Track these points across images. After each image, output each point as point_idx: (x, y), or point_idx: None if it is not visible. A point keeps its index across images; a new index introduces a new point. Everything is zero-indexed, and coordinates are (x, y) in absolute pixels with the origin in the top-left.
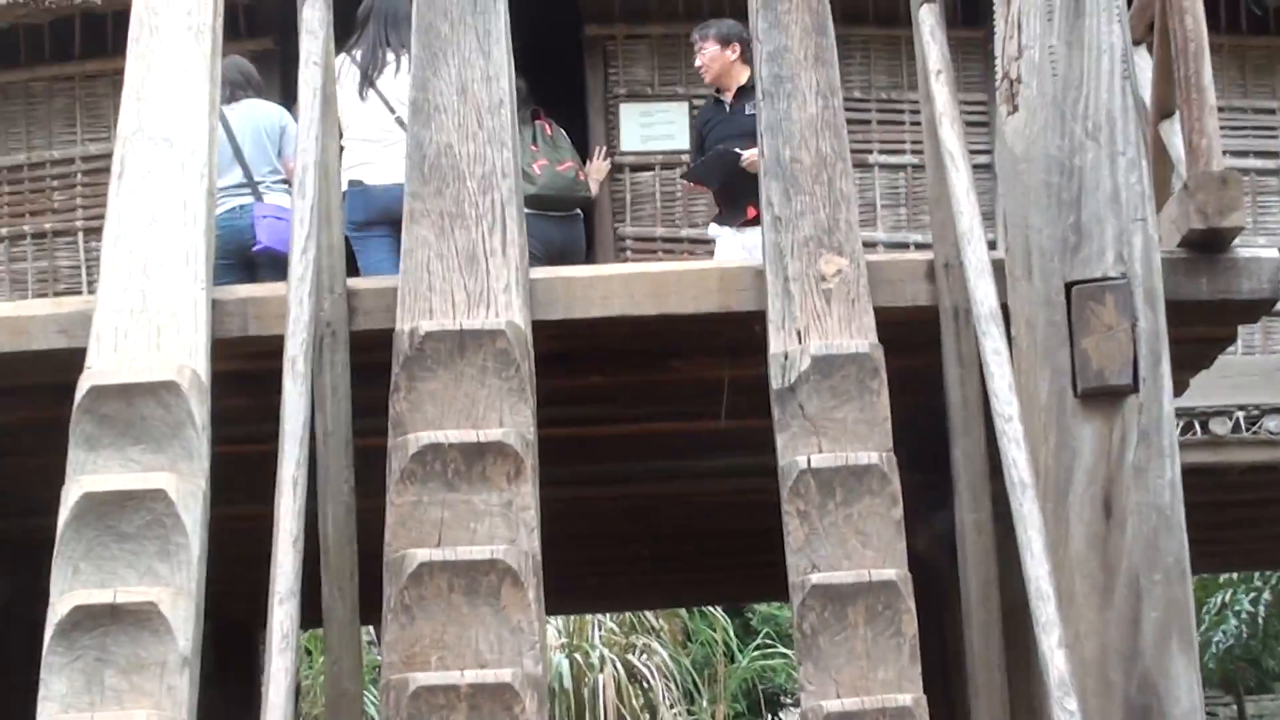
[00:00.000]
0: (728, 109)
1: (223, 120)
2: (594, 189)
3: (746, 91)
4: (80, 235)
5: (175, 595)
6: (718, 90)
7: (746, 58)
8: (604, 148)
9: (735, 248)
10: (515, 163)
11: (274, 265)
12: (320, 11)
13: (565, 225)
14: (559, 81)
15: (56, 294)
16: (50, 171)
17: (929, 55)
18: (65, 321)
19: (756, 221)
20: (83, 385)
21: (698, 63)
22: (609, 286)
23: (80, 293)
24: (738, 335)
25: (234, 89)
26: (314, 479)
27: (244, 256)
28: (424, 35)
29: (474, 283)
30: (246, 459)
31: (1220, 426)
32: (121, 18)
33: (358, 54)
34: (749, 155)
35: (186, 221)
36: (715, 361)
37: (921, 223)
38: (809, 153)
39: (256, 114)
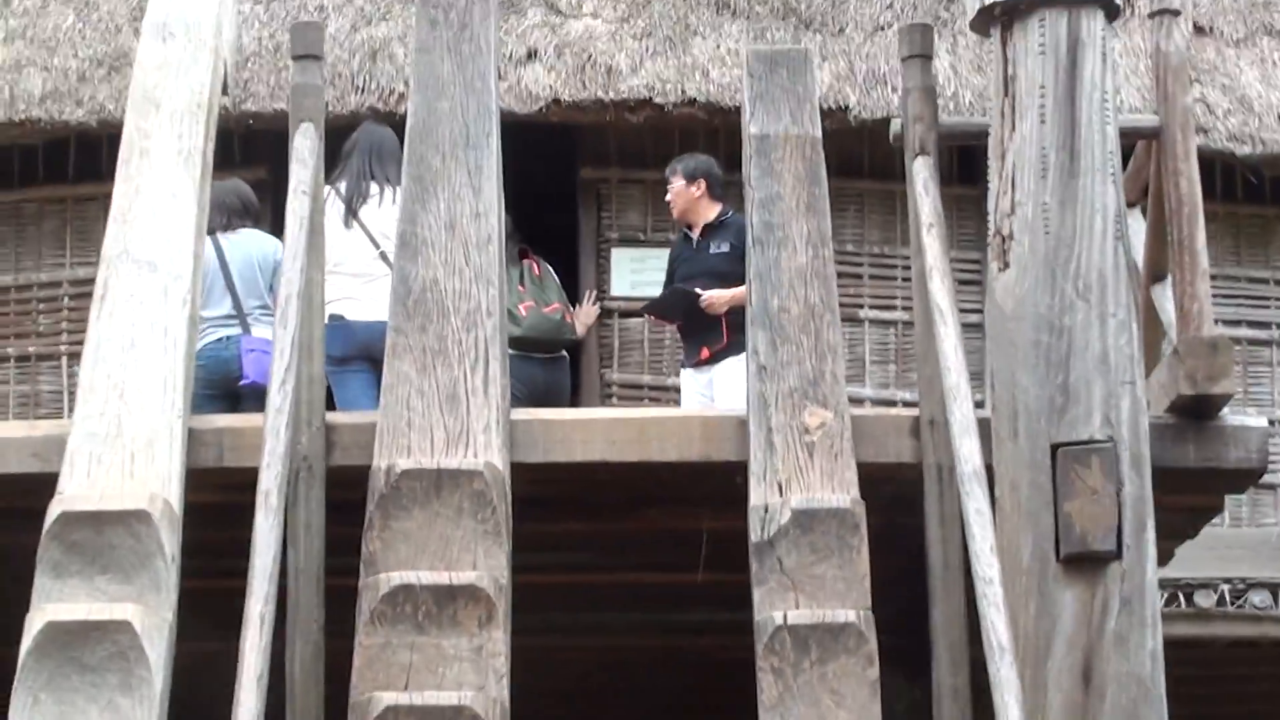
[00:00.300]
0: (694, 245)
1: (217, 248)
2: (581, 332)
3: (713, 229)
4: (64, 360)
5: None
6: (687, 226)
7: (715, 194)
8: (594, 291)
9: (693, 388)
10: (501, 301)
11: (259, 399)
12: (311, 141)
13: (550, 367)
14: (552, 222)
15: (37, 419)
16: (37, 294)
17: (921, 208)
18: (39, 445)
19: (711, 361)
20: (52, 511)
21: (667, 198)
22: (590, 430)
23: (62, 419)
24: (719, 486)
25: (231, 215)
26: (283, 617)
27: (229, 388)
28: (414, 168)
29: (454, 421)
30: (216, 593)
31: (1205, 599)
32: (116, 141)
33: (342, 185)
34: (707, 295)
35: (167, 347)
36: (695, 512)
37: (911, 380)
38: (797, 303)
39: (250, 245)
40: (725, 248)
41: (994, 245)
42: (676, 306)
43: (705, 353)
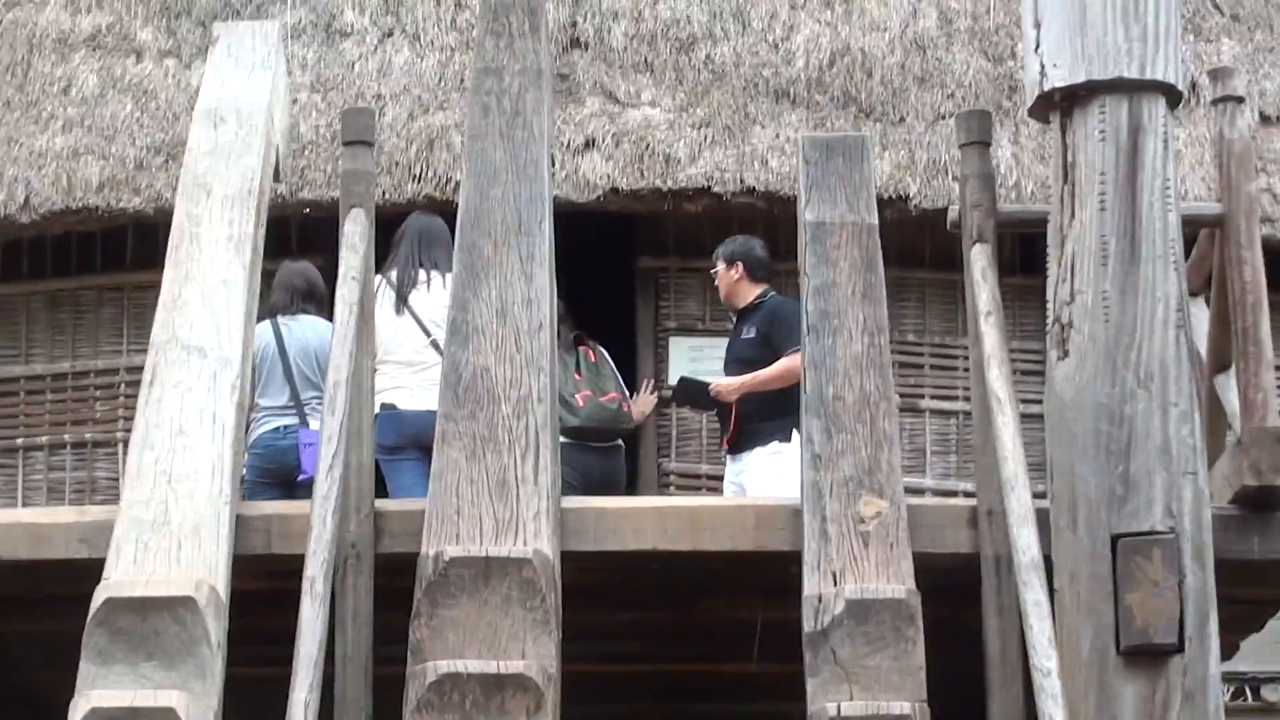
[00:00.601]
0: (734, 329)
1: (276, 333)
2: (638, 420)
3: (748, 312)
4: (120, 447)
5: None
6: (732, 310)
7: (756, 277)
8: (651, 381)
9: (727, 476)
10: (552, 388)
11: None
12: (361, 226)
13: (606, 456)
14: (610, 311)
15: (93, 505)
16: (94, 381)
17: (979, 296)
18: (87, 530)
19: (733, 450)
20: (98, 597)
21: (715, 282)
22: (641, 519)
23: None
24: (772, 575)
25: (295, 297)
26: (331, 705)
27: (285, 478)
28: (466, 255)
29: (503, 509)
30: (263, 681)
31: (1273, 693)
32: None
33: (393, 274)
34: (716, 384)
35: (215, 434)
36: (748, 601)
37: (972, 471)
38: (852, 390)
39: (309, 333)
40: (752, 333)
41: (1053, 333)
42: (693, 397)
43: (724, 441)
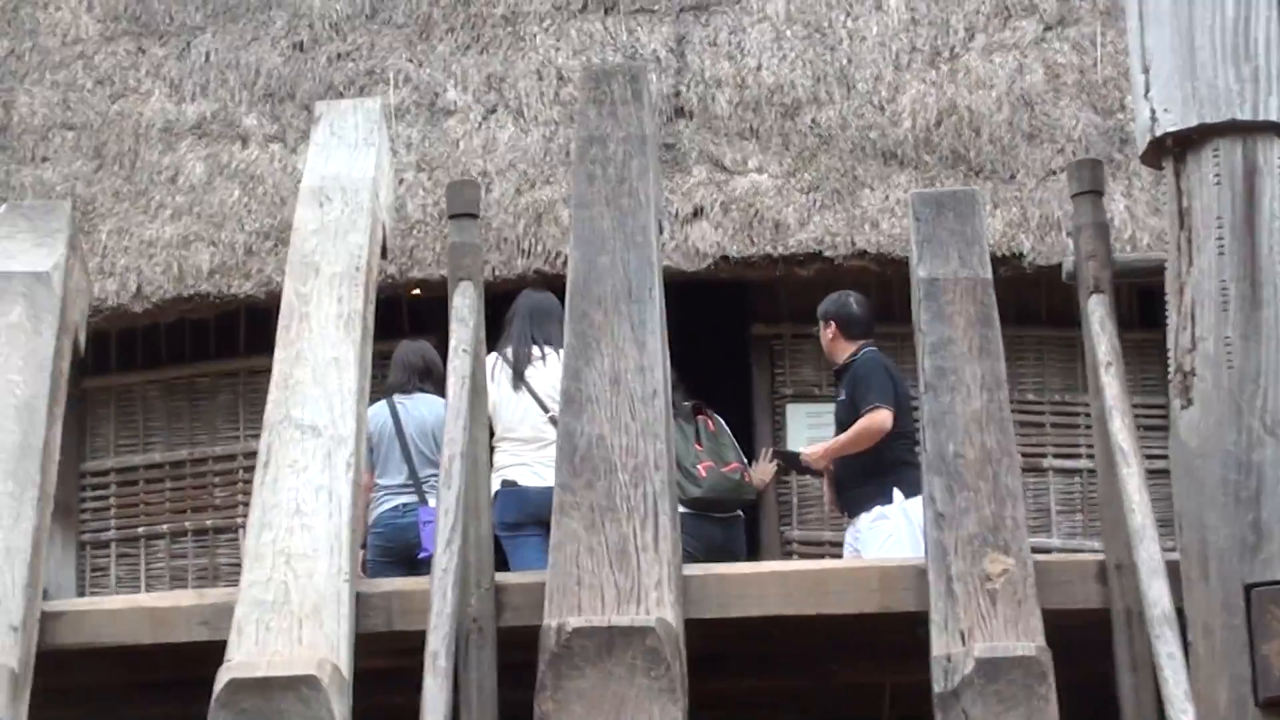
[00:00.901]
0: (836, 390)
1: (392, 411)
2: (758, 489)
3: (841, 373)
4: (240, 532)
5: None
6: (833, 369)
7: (850, 334)
8: (770, 449)
9: (846, 539)
10: (669, 455)
11: None
12: (470, 299)
13: (727, 527)
14: (724, 379)
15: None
16: (213, 468)
17: (1098, 347)
18: (208, 613)
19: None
20: (221, 678)
21: None
22: (765, 584)
23: None
24: (899, 637)
25: (412, 375)
26: None
27: (406, 555)
28: (576, 324)
29: (624, 578)
30: None
31: None
32: None
33: (508, 350)
34: (804, 453)
35: (332, 512)
36: (876, 664)
37: (1099, 529)
38: (973, 448)
39: (425, 411)
40: (843, 394)
41: (1175, 382)
42: (793, 465)
43: (830, 508)
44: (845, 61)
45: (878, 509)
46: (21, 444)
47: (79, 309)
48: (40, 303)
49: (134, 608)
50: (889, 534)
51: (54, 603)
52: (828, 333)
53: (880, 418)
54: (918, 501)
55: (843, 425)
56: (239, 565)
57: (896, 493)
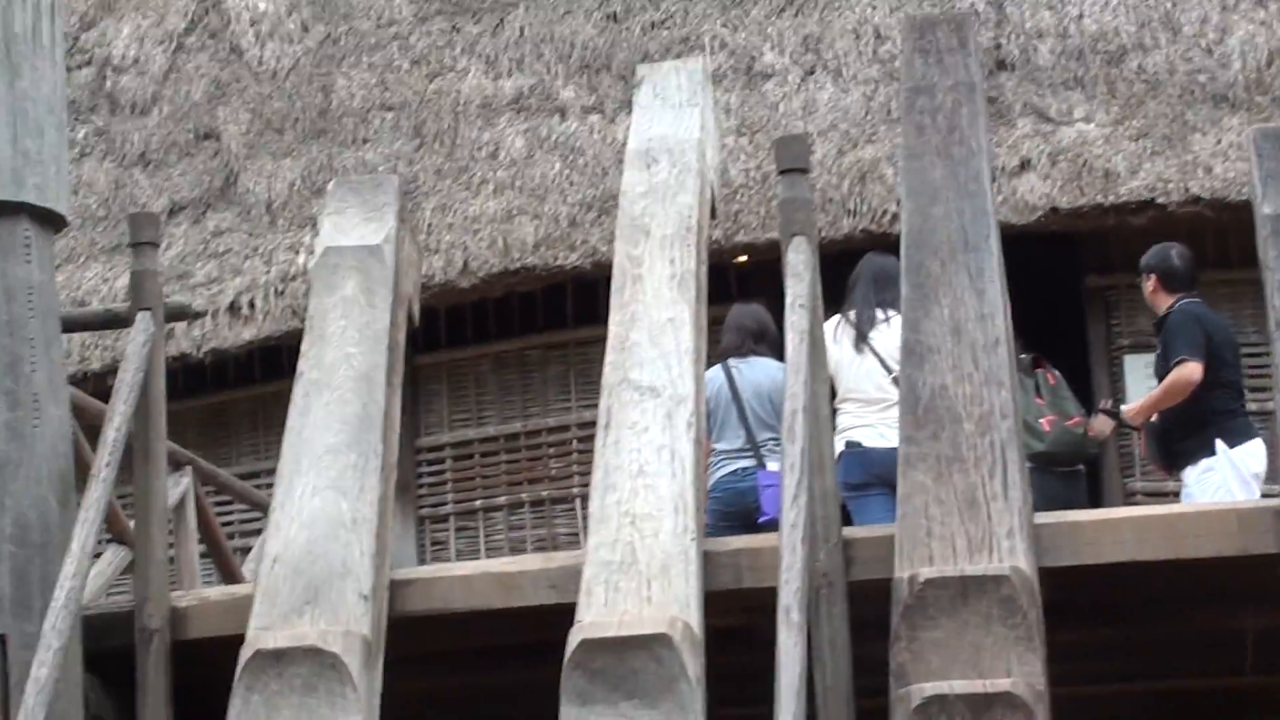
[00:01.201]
0: None
1: (728, 376)
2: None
3: (1158, 326)
4: (577, 502)
5: None
6: None
7: (1170, 287)
8: (1110, 400)
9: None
10: (1014, 403)
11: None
12: (804, 254)
13: (1068, 481)
14: (1059, 333)
15: None
16: (547, 439)
17: None
18: (555, 576)
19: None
20: (573, 640)
21: None
22: (1117, 530)
23: None
24: (1260, 580)
25: (746, 337)
26: None
27: (745, 520)
28: (913, 275)
29: (975, 527)
30: None
31: None
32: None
33: (851, 314)
34: (1124, 410)
35: (675, 472)
36: (1235, 610)
37: None
38: None
39: (760, 375)
40: (1160, 348)
41: None
42: (1122, 423)
43: (1156, 465)
44: (1170, 6)
45: (1204, 462)
46: (362, 415)
47: (411, 280)
48: (373, 275)
49: (482, 573)
50: (1217, 485)
51: (402, 570)
52: (1149, 285)
53: (1186, 371)
54: (1243, 449)
55: (1160, 379)
56: (577, 535)
57: (1220, 444)
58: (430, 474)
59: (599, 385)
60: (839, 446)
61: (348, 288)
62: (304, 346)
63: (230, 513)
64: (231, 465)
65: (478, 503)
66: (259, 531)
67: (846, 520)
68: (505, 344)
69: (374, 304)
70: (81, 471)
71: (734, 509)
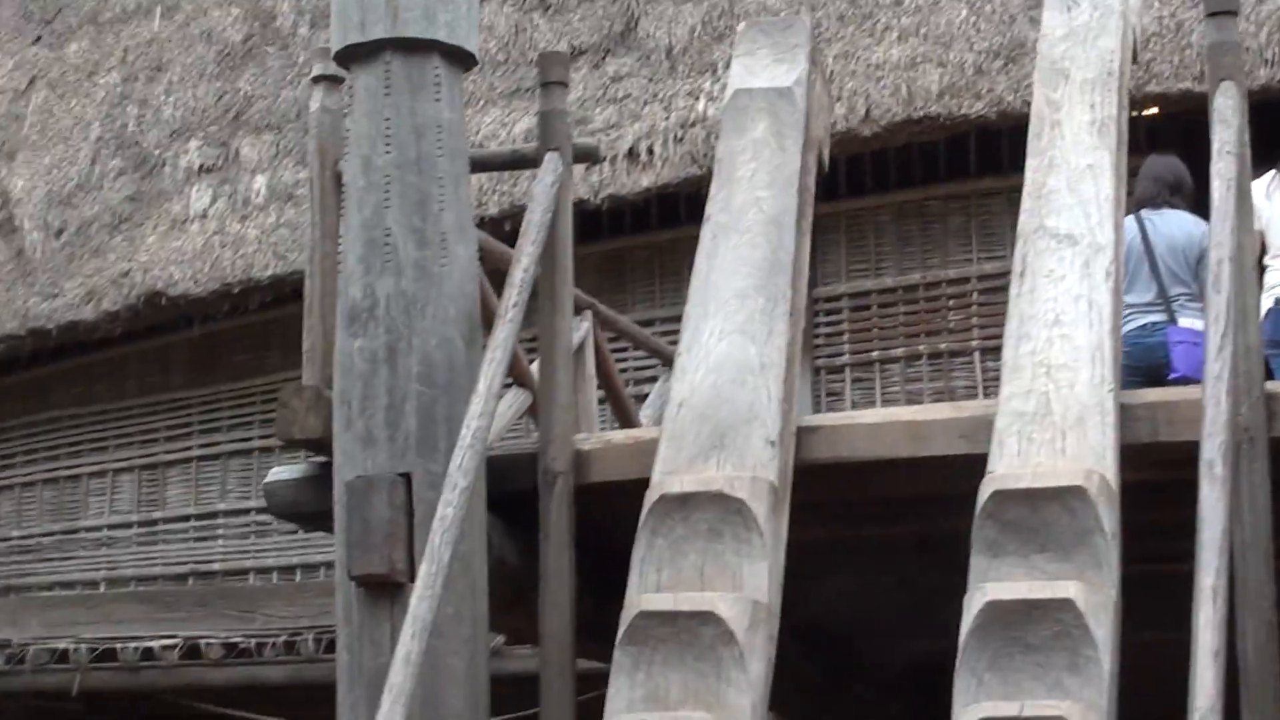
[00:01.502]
0: None
1: (1141, 228)
2: None
3: None
4: (976, 355)
5: (1085, 711)
6: None
7: None
8: None
9: None
10: None
11: None
12: (1232, 99)
13: None
14: None
15: None
16: (946, 291)
17: None
18: (965, 426)
19: None
20: (985, 490)
21: None
22: None
23: None
24: None
25: (1162, 188)
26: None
27: (1154, 376)
28: None
29: None
30: (1150, 577)
31: None
32: (1016, 134)
33: None
34: None
35: (1092, 321)
36: None
37: None
38: None
39: (1173, 228)
40: None
41: None
42: None
43: None
44: None
45: None
46: (770, 259)
47: (821, 125)
48: (783, 118)
49: (892, 421)
50: None
51: (809, 417)
52: None
53: None
54: None
55: None
56: (975, 389)
57: None
58: (827, 324)
59: (1000, 237)
60: (1266, 303)
61: (758, 130)
62: (712, 189)
63: (625, 359)
64: (627, 311)
65: (874, 354)
66: (653, 379)
67: (1269, 376)
68: (905, 194)
69: (784, 147)
70: (484, 317)
71: (1142, 364)
